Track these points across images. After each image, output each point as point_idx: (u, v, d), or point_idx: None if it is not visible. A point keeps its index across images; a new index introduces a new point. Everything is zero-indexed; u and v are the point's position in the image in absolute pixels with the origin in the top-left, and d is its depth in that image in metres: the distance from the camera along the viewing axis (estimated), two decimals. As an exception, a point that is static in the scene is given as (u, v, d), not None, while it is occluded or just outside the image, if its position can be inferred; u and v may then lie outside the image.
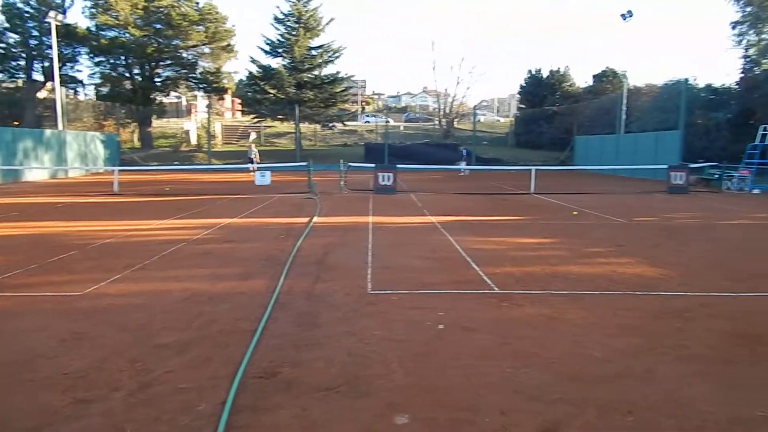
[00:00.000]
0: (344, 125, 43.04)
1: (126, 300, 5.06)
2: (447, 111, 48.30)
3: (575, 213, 12.05)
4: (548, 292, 5.42)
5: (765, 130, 19.13)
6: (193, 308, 4.79)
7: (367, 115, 60.05)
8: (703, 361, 3.68)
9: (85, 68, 38.75)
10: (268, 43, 39.50)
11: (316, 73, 40.08)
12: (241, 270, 6.32)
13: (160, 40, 36.41)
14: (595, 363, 3.63)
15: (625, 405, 3.03)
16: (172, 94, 43.02)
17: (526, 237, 8.91)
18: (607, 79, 39.51)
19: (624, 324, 4.44)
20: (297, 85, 38.44)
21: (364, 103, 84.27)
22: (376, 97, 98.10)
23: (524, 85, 45.47)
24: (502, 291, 5.44)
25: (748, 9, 28.96)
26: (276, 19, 39.21)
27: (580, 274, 6.21)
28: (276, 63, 39.63)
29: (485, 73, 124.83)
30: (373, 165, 18.12)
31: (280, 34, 39.33)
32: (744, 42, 29.85)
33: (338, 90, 40.21)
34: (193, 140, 40.61)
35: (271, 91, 38.28)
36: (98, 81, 38.33)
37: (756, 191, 17.92)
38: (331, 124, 41.83)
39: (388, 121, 45.88)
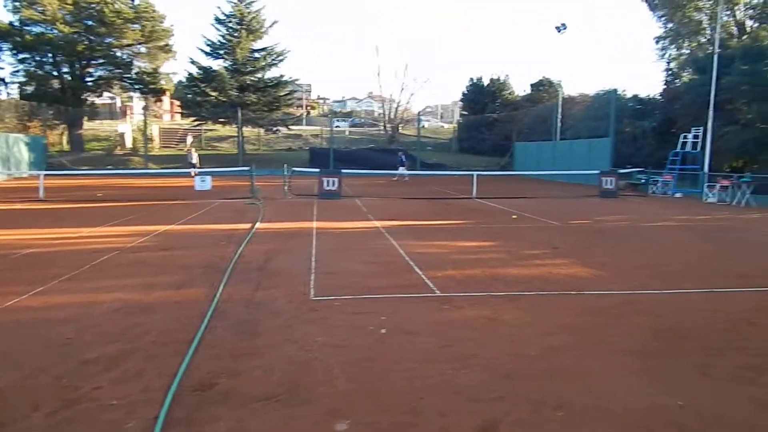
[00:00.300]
0: (288, 129, 42.50)
1: (51, 313, 4.76)
2: (392, 116, 48.75)
3: (514, 217, 12.47)
4: (488, 294, 5.58)
5: (685, 138, 20.58)
6: (124, 320, 4.57)
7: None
8: (628, 356, 3.90)
9: (7, 65, 35.97)
10: (208, 44, 38.47)
11: (259, 76, 39.38)
12: (178, 278, 6.10)
13: (92, 37, 34.56)
14: (530, 361, 3.77)
15: (556, 400, 3.16)
16: (105, 94, 40.95)
17: (468, 240, 9.13)
18: (543, 88, 41.25)
19: (558, 323, 4.64)
20: (239, 87, 37.64)
21: (309, 108, 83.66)
22: (321, 101, 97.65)
23: (466, 92, 46.67)
24: (444, 294, 5.54)
25: (669, 25, 31.14)
26: (217, 20, 38.26)
27: (518, 276, 6.43)
28: (217, 65, 38.64)
29: (428, 80, 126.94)
30: (317, 170, 17.99)
31: (221, 36, 38.41)
32: (666, 55, 32.07)
33: (282, 94, 39.70)
34: (129, 143, 38.77)
35: (212, 93, 37.24)
36: (22, 79, 35.86)
37: (678, 195, 19.23)
38: (275, 128, 41.18)
39: (338, 126, 45.76)
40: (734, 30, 27.66)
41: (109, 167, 30.28)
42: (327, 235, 9.49)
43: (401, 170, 25.87)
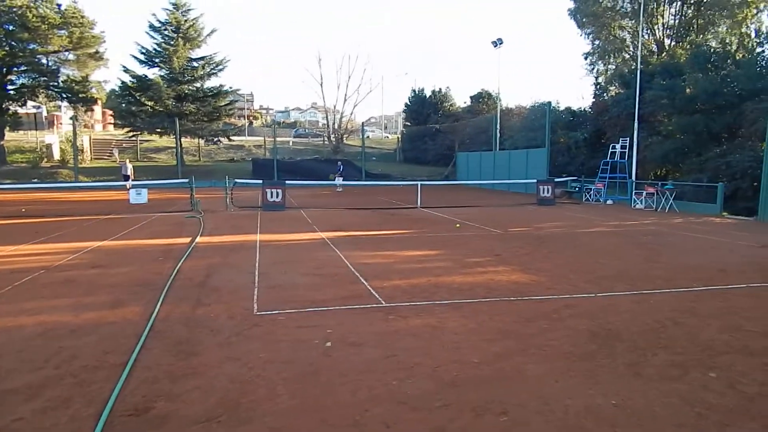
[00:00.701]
0: (230, 140, 41.52)
1: (-36, 340, 4.37)
2: (336, 127, 48.74)
3: (458, 225, 12.73)
4: (432, 302, 5.64)
5: (614, 148, 21.80)
6: (50, 344, 4.26)
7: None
8: (566, 358, 4.05)
9: None
10: (143, 52, 37.03)
11: (197, 85, 38.28)
12: (111, 298, 5.77)
13: (13, 43, 32.45)
14: (474, 368, 3.83)
15: (499, 405, 3.22)
16: (30, 103, 38.40)
17: (413, 250, 9.22)
18: (483, 100, 42.61)
19: (499, 329, 4.76)
20: (177, 97, 36.45)
21: (251, 118, 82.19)
22: (264, 111, 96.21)
23: (409, 103, 47.49)
24: (389, 304, 5.55)
25: (597, 42, 33.08)
26: (152, 27, 36.93)
27: (462, 284, 6.55)
28: (153, 74, 37.23)
29: (371, 90, 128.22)
30: (261, 181, 17.66)
31: (156, 44, 37.09)
32: (595, 70, 34.04)
33: (223, 104, 38.78)
34: (57, 155, 36.53)
35: (148, 102, 35.84)
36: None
37: (609, 202, 20.32)
38: (215, 139, 40.09)
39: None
40: (654, 48, 29.76)
41: (34, 180, 28.38)
42: (271, 247, 9.31)
43: (338, 180, 25.78)
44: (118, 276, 6.87)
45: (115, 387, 3.40)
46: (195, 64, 38.08)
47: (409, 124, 48.85)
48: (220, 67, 38.76)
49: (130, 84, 36.34)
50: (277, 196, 16.43)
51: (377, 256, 8.51)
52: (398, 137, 53.82)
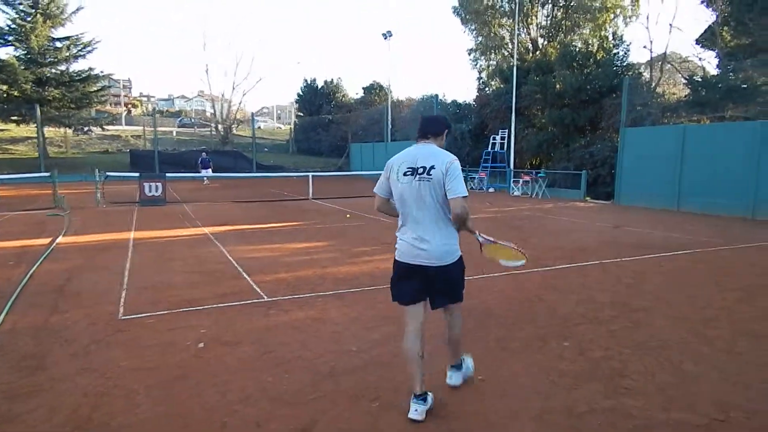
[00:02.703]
0: (103, 130, 37.93)
1: None
2: (224, 117, 46.60)
3: (348, 216, 12.79)
4: (316, 294, 5.58)
5: (494, 139, 23.24)
6: None
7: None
8: (441, 338, 4.19)
9: None
10: (-8, 29, 32.40)
11: (62, 68, 34.30)
12: (-58, 311, 4.98)
13: None
14: (351, 356, 3.85)
15: (373, 392, 3.26)
16: None
17: (301, 242, 9.08)
18: (375, 91, 43.15)
19: (380, 315, 4.83)
20: (37, 81, 32.38)
21: (129, 106, 75.96)
22: (144, 99, 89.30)
23: (301, 93, 46.69)
24: (272, 298, 5.41)
25: (479, 39, 34.86)
26: (4, 1, 32.39)
27: (347, 273, 6.57)
28: (5, 53, 32.75)
29: (261, 79, 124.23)
30: (137, 174, 16.34)
31: (10, 19, 32.61)
32: (478, 65, 35.85)
33: (94, 89, 35.17)
34: None
35: (1, 87, 31.49)
36: None
37: (491, 190, 21.66)
38: (86, 129, 36.36)
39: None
40: (530, 46, 32.05)
41: None
42: (146, 245, 8.65)
43: (204, 173, 24.57)
44: (-46, 285, 5.96)
45: (-64, 414, 2.93)
46: (58, 44, 34.07)
47: (301, 114, 48.09)
48: (89, 48, 35.05)
49: (-24, 65, 31.63)
50: (156, 190, 15.32)
51: (263, 250, 8.26)
52: (291, 128, 52.82)
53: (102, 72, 35.90)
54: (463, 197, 2.89)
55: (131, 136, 43.47)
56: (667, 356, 3.86)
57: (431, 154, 3.00)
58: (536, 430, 2.83)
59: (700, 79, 19.45)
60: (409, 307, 3.07)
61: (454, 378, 3.35)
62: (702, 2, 21.93)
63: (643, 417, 2.96)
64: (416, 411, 2.91)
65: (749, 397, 3.20)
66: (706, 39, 22.05)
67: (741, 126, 13.69)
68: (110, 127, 40.43)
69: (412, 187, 2.98)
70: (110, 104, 55.45)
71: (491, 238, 3.36)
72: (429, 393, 3.03)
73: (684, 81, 21.52)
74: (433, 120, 3.18)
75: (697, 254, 7.98)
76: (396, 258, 3.15)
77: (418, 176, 2.97)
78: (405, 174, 3.01)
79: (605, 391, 3.28)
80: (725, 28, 21.03)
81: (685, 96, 20.23)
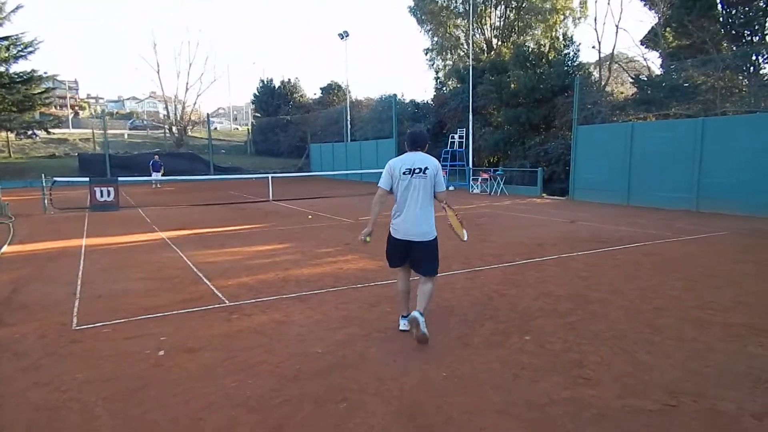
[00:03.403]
0: (49, 133, 36.18)
1: None
2: (178, 118, 45.33)
3: (310, 217, 12.69)
4: (280, 297, 5.53)
5: (453, 138, 23.53)
6: None
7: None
8: (404, 338, 4.25)
9: None
10: None
11: (1, 69, 32.48)
12: None
13: None
14: (316, 358, 3.83)
15: (339, 393, 3.26)
16: None
17: (262, 244, 8.96)
18: (333, 91, 42.92)
19: (345, 316, 4.83)
20: (-25, 83, 30.60)
21: (76, 108, 72.85)
22: (92, 101, 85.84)
23: (257, 94, 45.96)
24: (233, 303, 5.32)
25: (435, 39, 35.26)
26: (-67, -3, 30.40)
27: (311, 275, 6.53)
28: (-63, 54, 30.73)
29: (216, 80, 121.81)
30: (87, 179, 15.69)
31: (-59, 18, 30.67)
32: (434, 65, 36.25)
33: (37, 91, 33.36)
34: None
35: (-67, 88, 29.59)
36: None
37: (451, 188, 21.90)
38: (30, 132, 34.57)
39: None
40: (484, 46, 32.66)
41: None
42: (99, 252, 8.33)
43: (155, 176, 23.87)
44: None
45: None
46: (-4, 44, 32.27)
47: (258, 115, 47.33)
48: (31, 49, 33.16)
49: None
50: (108, 195, 14.76)
51: (223, 254, 8.10)
52: (248, 129, 51.93)
53: (45, 73, 34.06)
54: (445, 190, 4.43)
55: (79, 140, 41.73)
56: (622, 346, 4.03)
57: (424, 159, 4.24)
58: (499, 423, 2.91)
59: (645, 79, 20.34)
60: (399, 269, 4.46)
61: (420, 319, 3.99)
62: (645, 4, 22.94)
63: (601, 405, 3.08)
64: (403, 324, 4.34)
65: (696, 382, 3.39)
66: (650, 40, 23.06)
67: (683, 123, 14.41)
68: (56, 131, 38.55)
69: (409, 182, 4.19)
70: (55, 106, 52.89)
71: (453, 209, 4.80)
72: (410, 314, 4.12)
73: (631, 80, 22.44)
74: (421, 136, 4.40)
75: (647, 246, 8.35)
76: (391, 234, 4.40)
77: (415, 174, 4.18)
78: (404, 173, 4.20)
79: (565, 383, 3.39)
80: (667, 29, 22.06)
81: (632, 95, 21.09)
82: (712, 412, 3.00)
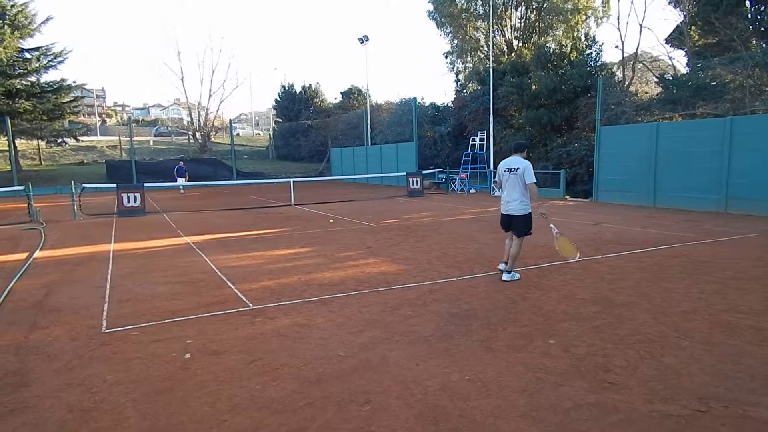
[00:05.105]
0: (78, 141, 37.22)
1: None
2: (202, 124, 46.14)
3: (332, 221, 12.77)
4: (302, 300, 5.58)
5: (473, 140, 23.44)
6: None
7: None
8: (427, 342, 4.25)
9: None
10: (-42, 41, 31.52)
11: (32, 79, 33.54)
12: None
13: None
14: (338, 361, 3.86)
15: (363, 396, 3.28)
16: None
17: (285, 248, 9.05)
18: (353, 96, 43.19)
19: (367, 320, 4.85)
20: (7, 93, 31.59)
21: (104, 116, 74.80)
22: (119, 108, 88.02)
23: (279, 99, 46.50)
24: (257, 306, 5.39)
25: (455, 42, 35.20)
26: (-31, 12, 31.57)
27: (332, 279, 6.58)
28: (-27, 67, 31.87)
29: (238, 86, 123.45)
30: (115, 185, 16.08)
31: (-24, 31, 31.79)
32: (455, 68, 36.19)
33: (66, 100, 34.46)
34: None
35: (-31, 100, 30.67)
36: None
37: (472, 191, 21.83)
38: (60, 140, 35.64)
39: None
40: (504, 48, 32.47)
41: None
42: (127, 257, 8.52)
43: (180, 181, 24.17)
44: (-72, 305, 5.80)
45: None
46: (28, 55, 33.33)
47: (280, 120, 47.87)
48: (60, 59, 34.32)
49: (-58, 78, 30.76)
50: (135, 201, 15.09)
51: (246, 258, 8.21)
52: (270, 134, 52.53)
53: (74, 82, 35.21)
54: (533, 183, 6.18)
55: (106, 147, 42.78)
56: (649, 350, 3.96)
57: (518, 161, 6.25)
58: (524, 427, 2.88)
59: (670, 78, 19.93)
60: (506, 233, 6.57)
61: (504, 275, 6.32)
62: (670, 2, 22.52)
63: (627, 410, 3.03)
64: (501, 266, 6.49)
65: (727, 387, 3.31)
66: (675, 38, 22.64)
67: (711, 123, 14.08)
68: (84, 138, 39.71)
69: (508, 177, 6.29)
70: (84, 115, 54.43)
71: (557, 230, 6.49)
72: (506, 264, 6.36)
73: (655, 79, 22.03)
74: (518, 145, 6.52)
75: (674, 249, 8.18)
76: (501, 211, 6.52)
77: (511, 172, 6.25)
78: (504, 171, 6.35)
79: (590, 387, 3.35)
80: (693, 27, 21.62)
81: (657, 94, 20.71)
82: (744, 418, 2.93)
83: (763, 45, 19.02)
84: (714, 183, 13.22)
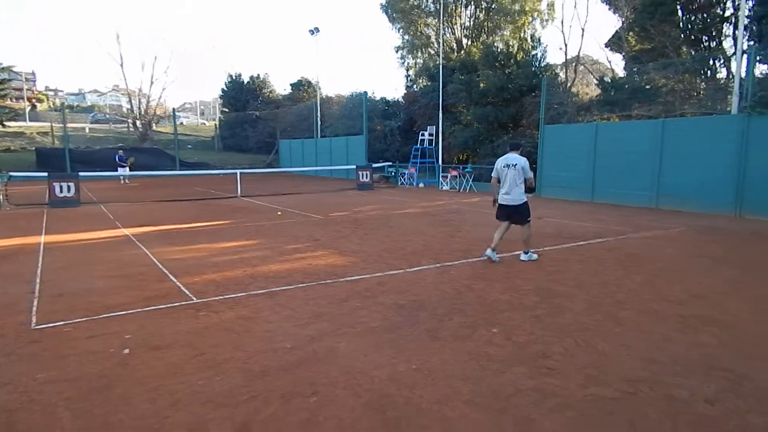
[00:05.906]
0: (4, 126, 34.72)
1: None
2: (143, 112, 44.15)
3: (279, 213, 12.58)
4: (247, 293, 5.48)
5: (423, 135, 23.66)
6: None
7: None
8: (375, 333, 4.28)
9: None
10: None
11: (-47, 58, 31.02)
12: None
13: None
14: (285, 354, 3.82)
15: (309, 387, 3.27)
16: None
17: (230, 241, 8.84)
18: (303, 87, 42.56)
19: (314, 312, 4.82)
20: None
21: (34, 100, 70.18)
22: (51, 93, 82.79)
23: (225, 89, 45.17)
24: (200, 300, 5.24)
25: (406, 37, 35.36)
26: None
27: (279, 272, 6.49)
28: None
29: (182, 74, 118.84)
30: (46, 174, 15.14)
31: None
32: (405, 63, 36.36)
33: (-9, 82, 32.15)
34: None
35: None
36: None
37: (421, 185, 22.08)
38: (-16, 125, 33.13)
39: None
40: (454, 45, 32.92)
41: None
42: (60, 250, 8.07)
43: (121, 171, 23.22)
44: None
45: None
46: (-53, 31, 30.77)
47: (226, 110, 46.52)
48: (-16, 37, 31.93)
49: None
50: (69, 191, 14.29)
51: (190, 251, 7.96)
52: (216, 124, 50.98)
53: (0, 64, 32.85)
54: (531, 177, 6.98)
55: (37, 134, 40.15)
56: (585, 338, 4.17)
57: (516, 158, 6.96)
58: (468, 413, 2.97)
59: (609, 80, 20.88)
60: (501, 222, 7.14)
61: (522, 256, 7.16)
62: (610, 8, 23.56)
63: (565, 394, 3.18)
64: (490, 252, 7.02)
65: (653, 371, 3.53)
66: (614, 43, 23.71)
67: (645, 124, 14.88)
68: (12, 124, 37.04)
69: (508, 172, 6.91)
70: (11, 99, 50.76)
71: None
72: (494, 251, 7.01)
73: (595, 82, 23.02)
74: (515, 143, 7.34)
75: (609, 242, 8.61)
76: (499, 202, 7.06)
77: (510, 167, 6.90)
78: (503, 167, 6.96)
79: (530, 373, 3.49)
80: (630, 33, 22.72)
81: (597, 96, 21.63)
82: (668, 398, 3.14)
83: (693, 52, 20.28)
84: (647, 181, 14.01)
